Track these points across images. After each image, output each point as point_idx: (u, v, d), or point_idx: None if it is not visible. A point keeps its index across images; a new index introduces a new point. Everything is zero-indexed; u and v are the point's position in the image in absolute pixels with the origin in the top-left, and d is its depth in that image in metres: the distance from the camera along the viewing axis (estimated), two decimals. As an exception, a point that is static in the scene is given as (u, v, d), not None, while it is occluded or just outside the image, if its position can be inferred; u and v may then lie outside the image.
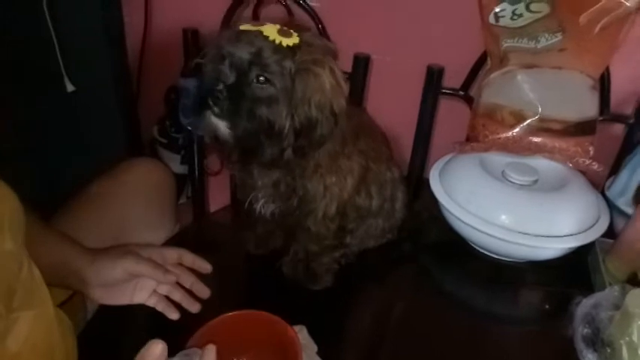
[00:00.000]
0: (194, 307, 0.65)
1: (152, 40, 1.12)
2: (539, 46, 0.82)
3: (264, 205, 0.70)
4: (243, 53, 0.58)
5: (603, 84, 0.86)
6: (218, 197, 1.15)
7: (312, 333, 0.65)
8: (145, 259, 0.63)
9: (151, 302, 0.65)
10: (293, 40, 0.59)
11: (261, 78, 0.58)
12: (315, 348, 0.64)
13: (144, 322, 0.72)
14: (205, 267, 0.67)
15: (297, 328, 0.63)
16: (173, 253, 0.67)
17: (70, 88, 1.04)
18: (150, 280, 0.64)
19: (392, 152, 0.84)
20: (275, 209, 0.70)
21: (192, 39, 0.99)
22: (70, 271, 0.61)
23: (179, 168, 1.18)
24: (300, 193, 0.67)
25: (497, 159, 0.85)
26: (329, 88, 0.60)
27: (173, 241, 0.87)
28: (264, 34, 0.58)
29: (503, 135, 0.85)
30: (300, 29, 0.62)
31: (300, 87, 0.59)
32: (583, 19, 0.79)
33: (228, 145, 0.61)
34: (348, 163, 0.69)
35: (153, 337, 0.67)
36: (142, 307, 0.74)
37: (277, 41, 0.58)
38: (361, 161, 0.72)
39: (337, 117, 0.61)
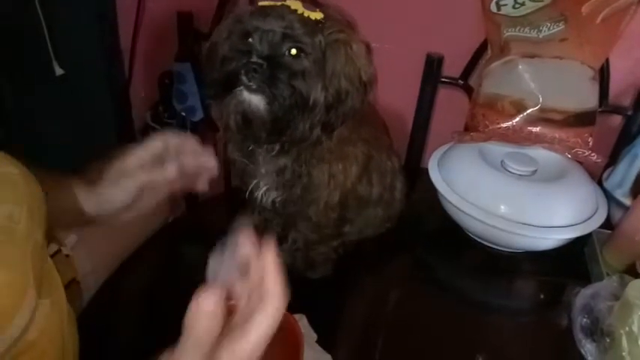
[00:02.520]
0: (202, 185, 0.63)
1: (145, 23, 1.10)
2: (540, 35, 0.82)
3: (265, 194, 0.68)
4: (274, 26, 0.56)
5: (603, 75, 0.86)
6: (209, 186, 1.13)
7: (311, 322, 0.65)
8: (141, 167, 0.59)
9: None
10: (318, 14, 0.59)
11: (293, 50, 0.56)
12: (314, 337, 0.64)
13: (139, 311, 0.70)
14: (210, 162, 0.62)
15: (296, 316, 0.62)
16: (172, 140, 0.60)
17: (58, 71, 1.01)
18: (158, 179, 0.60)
19: (392, 141, 0.84)
20: (277, 198, 0.68)
21: (186, 22, 0.97)
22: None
23: (172, 155, 1.16)
24: (304, 180, 0.66)
25: (497, 149, 0.85)
26: (358, 58, 0.60)
27: (166, 230, 0.85)
28: (292, 7, 0.57)
29: (504, 125, 0.85)
30: (319, 5, 0.61)
31: (331, 60, 0.58)
32: (585, 9, 0.79)
33: (259, 122, 0.58)
34: (353, 150, 0.68)
35: (148, 326, 0.66)
36: (138, 297, 0.73)
37: (305, 14, 0.57)
38: (364, 149, 0.71)
39: (367, 86, 0.61)
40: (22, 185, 0.45)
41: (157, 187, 0.61)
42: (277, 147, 0.64)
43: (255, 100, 0.57)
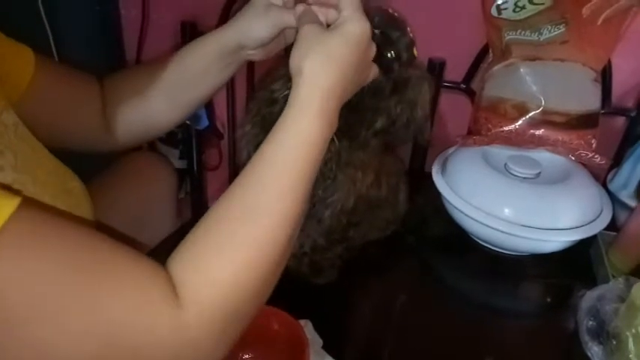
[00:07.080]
0: None
1: (150, 33, 1.11)
2: (541, 38, 0.82)
3: None
4: None
5: (605, 77, 0.86)
6: (217, 192, 1.14)
7: (316, 327, 0.65)
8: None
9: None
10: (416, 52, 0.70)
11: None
12: (320, 342, 0.64)
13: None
14: None
15: (302, 322, 0.62)
16: None
17: (65, 82, 1.02)
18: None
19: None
20: None
21: (190, 33, 0.98)
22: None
23: (178, 163, 1.17)
24: (328, 182, 0.65)
25: (500, 152, 0.85)
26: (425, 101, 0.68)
27: (174, 237, 0.86)
28: None
29: (506, 128, 0.85)
30: None
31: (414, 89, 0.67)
32: (586, 10, 0.79)
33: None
34: (372, 158, 0.69)
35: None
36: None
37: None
38: (380, 157, 0.71)
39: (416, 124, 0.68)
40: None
41: (287, 34, 0.61)
42: None
43: None
